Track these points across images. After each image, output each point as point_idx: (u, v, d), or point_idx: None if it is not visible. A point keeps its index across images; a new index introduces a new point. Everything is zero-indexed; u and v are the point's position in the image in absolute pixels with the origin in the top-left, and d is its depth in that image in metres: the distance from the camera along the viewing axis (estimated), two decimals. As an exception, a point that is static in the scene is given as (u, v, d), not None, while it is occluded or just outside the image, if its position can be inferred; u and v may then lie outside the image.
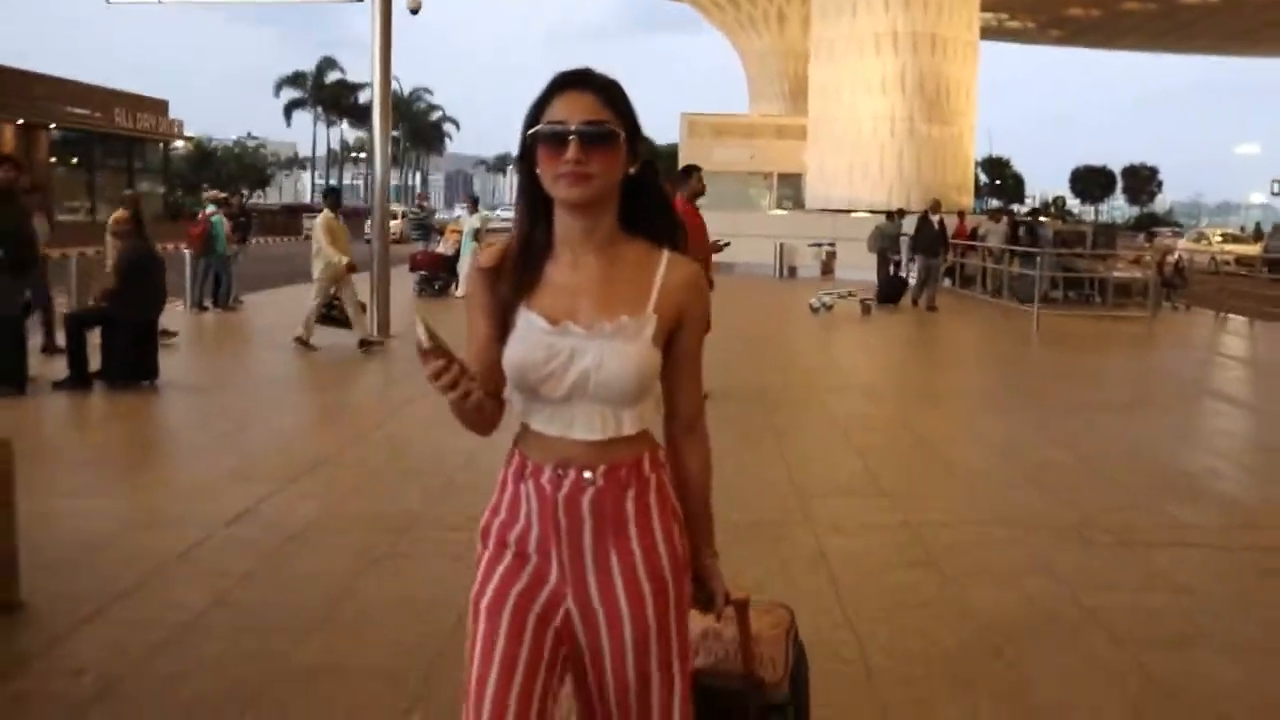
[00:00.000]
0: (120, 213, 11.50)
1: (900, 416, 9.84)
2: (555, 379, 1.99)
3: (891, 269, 21.59)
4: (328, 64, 78.99)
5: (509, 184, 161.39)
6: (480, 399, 1.87)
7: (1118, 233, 33.80)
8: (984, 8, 40.15)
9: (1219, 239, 46.98)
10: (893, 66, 30.98)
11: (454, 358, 1.80)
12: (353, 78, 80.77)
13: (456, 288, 20.72)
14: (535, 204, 2.05)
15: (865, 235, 23.84)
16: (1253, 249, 40.91)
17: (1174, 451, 8.45)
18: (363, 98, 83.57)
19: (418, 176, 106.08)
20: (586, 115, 1.98)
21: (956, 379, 13.14)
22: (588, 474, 2.02)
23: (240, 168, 61.96)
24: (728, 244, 10.80)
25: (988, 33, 65.84)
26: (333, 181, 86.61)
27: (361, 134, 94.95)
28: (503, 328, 2.02)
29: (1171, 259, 24.46)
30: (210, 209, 17.13)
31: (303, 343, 12.57)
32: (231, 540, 5.58)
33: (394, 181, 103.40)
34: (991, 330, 17.78)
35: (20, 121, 40.90)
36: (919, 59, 30.99)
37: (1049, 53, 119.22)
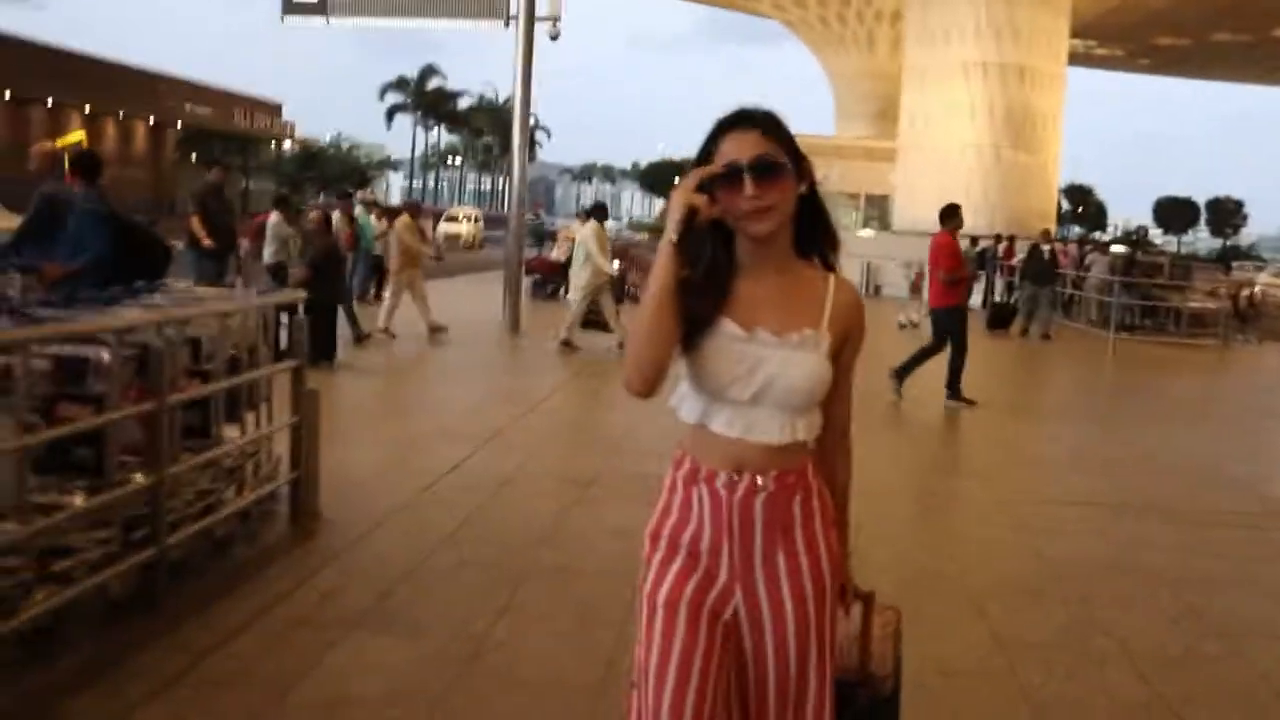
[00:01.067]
0: (314, 215, 13.17)
1: (986, 419, 11.14)
2: (743, 382, 2.15)
3: (993, 295, 22.67)
4: (429, 71, 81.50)
5: (593, 192, 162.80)
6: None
7: (1196, 265, 34.39)
8: (1073, 34, 40.97)
9: (1299, 273, 47.18)
10: (981, 95, 32.10)
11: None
12: (449, 84, 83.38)
13: (567, 291, 22.26)
14: (715, 234, 2.20)
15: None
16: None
17: (1224, 457, 9.67)
18: (461, 104, 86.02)
19: (506, 183, 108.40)
20: (755, 151, 2.14)
21: (1036, 391, 14.38)
22: (760, 479, 2.17)
23: (343, 169, 64.21)
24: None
25: (1075, 59, 66.01)
26: (422, 183, 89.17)
27: (453, 138, 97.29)
28: (685, 326, 2.17)
29: (1246, 292, 25.34)
30: (359, 209, 18.68)
31: (567, 345, 13.80)
32: (457, 483, 7.08)
33: (484, 187, 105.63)
34: (1071, 352, 18.86)
35: (151, 120, 43.43)
36: (1007, 89, 32.08)
37: (1137, 79, 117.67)
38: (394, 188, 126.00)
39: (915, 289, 26.16)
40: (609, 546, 5.83)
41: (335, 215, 14.80)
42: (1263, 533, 7.09)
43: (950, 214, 11.21)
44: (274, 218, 14.94)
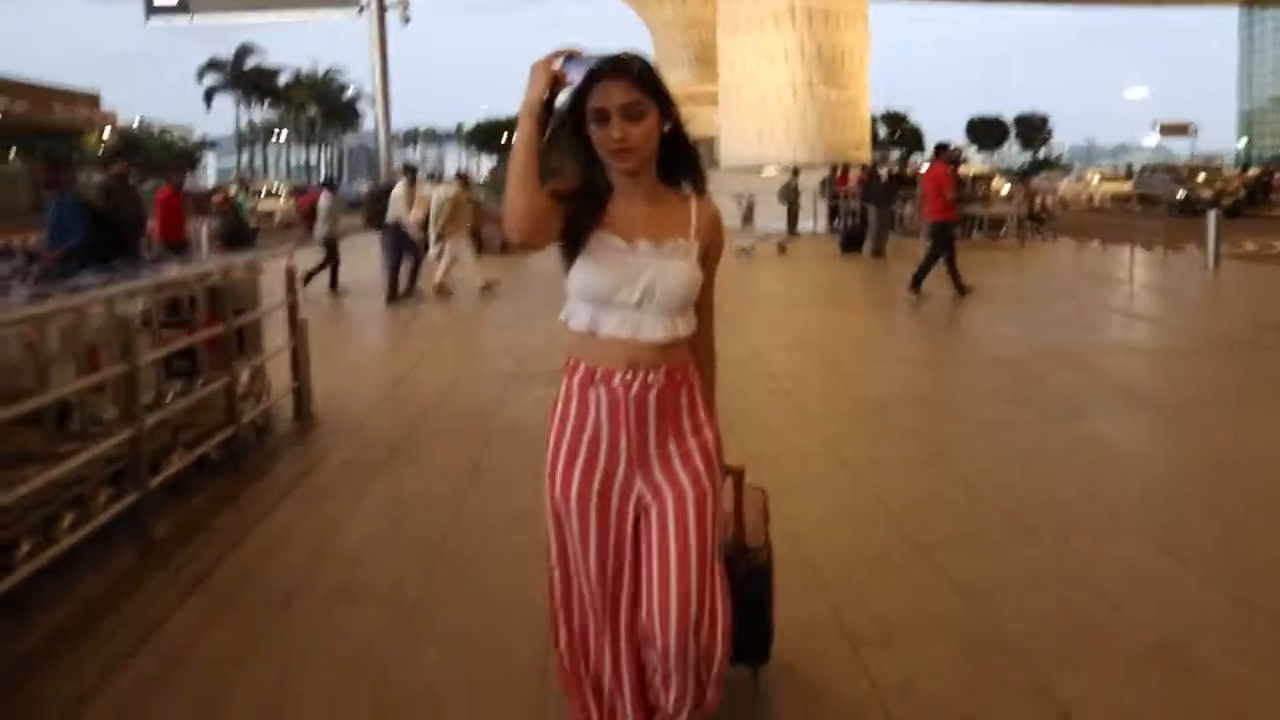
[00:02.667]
0: (219, 196, 14.75)
1: (810, 313, 13.50)
2: (629, 287, 2.45)
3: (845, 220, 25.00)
4: (246, 50, 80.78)
5: (419, 156, 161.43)
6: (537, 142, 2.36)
7: (995, 177, 37.53)
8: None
9: (1097, 180, 51.55)
10: (792, 38, 34.54)
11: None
12: (266, 59, 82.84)
13: (428, 249, 23.92)
14: (591, 158, 2.49)
15: (775, 190, 27.49)
16: (1125, 187, 45.59)
17: (1000, 323, 12.19)
18: (280, 79, 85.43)
19: (332, 153, 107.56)
20: (623, 99, 2.40)
21: (851, 292, 16.83)
22: (652, 376, 2.48)
23: (167, 154, 63.71)
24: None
25: (881, -8, 68.93)
26: (250, 159, 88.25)
27: (271, 115, 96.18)
28: (563, 222, 2.47)
29: (1039, 199, 28.55)
30: (234, 190, 20.15)
31: None
32: (410, 388, 8.99)
33: (310, 160, 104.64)
34: (897, 262, 21.43)
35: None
36: (815, 31, 34.58)
37: (943, 5, 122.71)
38: (210, 169, 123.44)
39: (747, 219, 28.63)
40: (543, 411, 7.81)
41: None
42: (1020, 367, 9.48)
43: (942, 149, 14.76)
44: (324, 199, 16.73)
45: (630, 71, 2.42)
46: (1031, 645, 3.89)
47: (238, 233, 13.41)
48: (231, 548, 5.13)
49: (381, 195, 16.80)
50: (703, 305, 2.63)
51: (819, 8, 34.29)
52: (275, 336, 7.78)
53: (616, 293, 2.46)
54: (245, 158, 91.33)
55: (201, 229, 19.93)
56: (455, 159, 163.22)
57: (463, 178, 18.02)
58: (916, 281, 13.91)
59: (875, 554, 4.91)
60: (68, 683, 3.82)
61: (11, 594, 4.15)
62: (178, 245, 13.70)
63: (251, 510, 5.73)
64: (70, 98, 50.61)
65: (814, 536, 5.01)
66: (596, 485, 2.52)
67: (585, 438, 2.53)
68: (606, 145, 2.44)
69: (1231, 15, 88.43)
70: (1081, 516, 5.37)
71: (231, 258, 7.26)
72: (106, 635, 4.19)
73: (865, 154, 36.78)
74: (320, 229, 16.24)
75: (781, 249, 22.27)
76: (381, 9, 17.23)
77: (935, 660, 3.82)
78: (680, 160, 2.57)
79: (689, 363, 2.58)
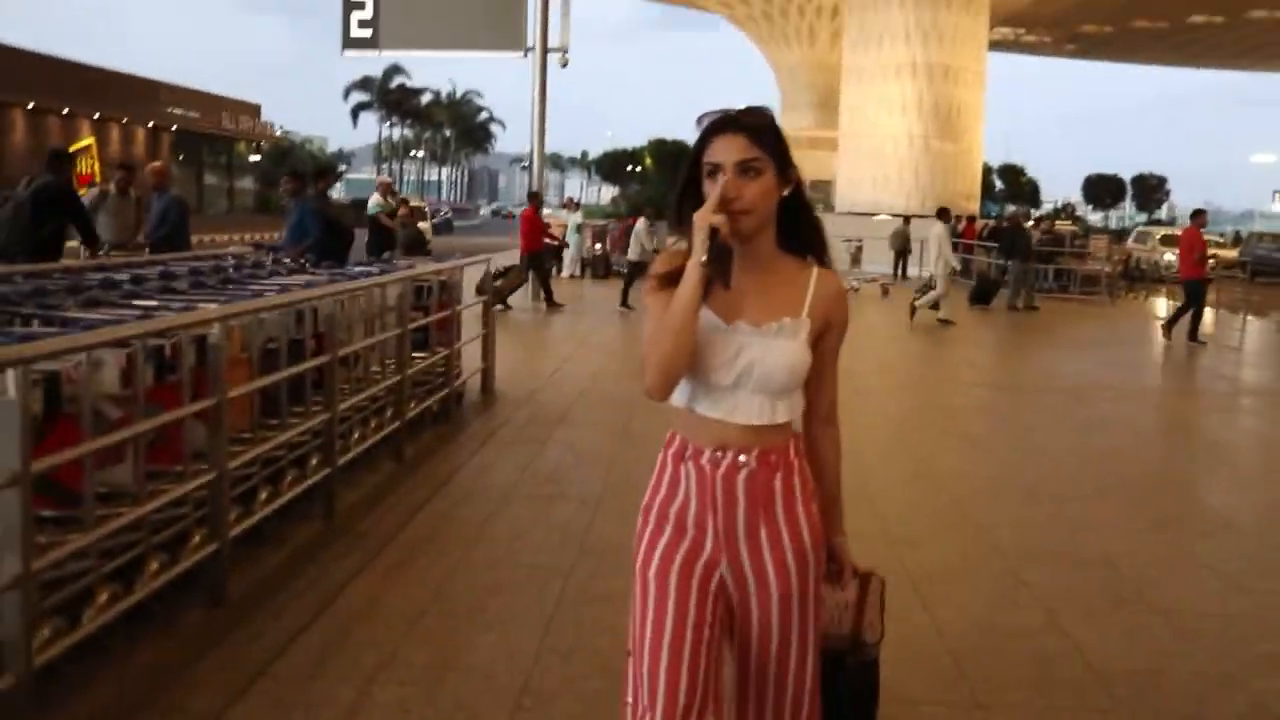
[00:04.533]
0: (403, 208, 17.19)
1: (909, 346, 15.41)
2: (726, 368, 2.32)
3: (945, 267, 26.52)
4: (393, 70, 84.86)
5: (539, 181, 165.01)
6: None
7: (1092, 235, 38.67)
8: (1003, 23, 45.23)
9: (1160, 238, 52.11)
10: (911, 92, 36.47)
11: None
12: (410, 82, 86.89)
13: (560, 270, 26.21)
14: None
15: (887, 235, 29.30)
16: (1231, 253, 46.27)
17: (1061, 363, 14.01)
18: (423, 100, 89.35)
19: (463, 174, 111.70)
20: (739, 155, 2.26)
21: (951, 329, 18.69)
22: (743, 457, 2.34)
23: (316, 166, 67.30)
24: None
25: (1006, 45, 69.94)
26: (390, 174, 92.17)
27: (408, 133, 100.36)
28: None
29: (1135, 258, 29.87)
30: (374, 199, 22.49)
31: (945, 321, 17.74)
32: (563, 377, 11.16)
33: (439, 177, 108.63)
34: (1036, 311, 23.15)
35: (150, 124, 46.77)
36: (934, 85, 36.47)
37: (1067, 63, 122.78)
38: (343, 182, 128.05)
39: (855, 261, 30.46)
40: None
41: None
42: (1069, 393, 11.34)
43: (1197, 214, 17.21)
44: (640, 224, 19.45)
45: (749, 127, 2.30)
46: (1012, 554, 5.84)
47: (418, 242, 15.80)
48: (460, 465, 7.31)
49: (628, 233, 19.31)
50: (820, 388, 2.48)
51: (939, 63, 36.16)
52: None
53: (713, 373, 2.34)
54: (383, 172, 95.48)
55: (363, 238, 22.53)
56: (578, 186, 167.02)
57: (655, 211, 20.07)
58: (1193, 334, 16.15)
59: (918, 500, 6.92)
60: (376, 530, 5.97)
61: (340, 469, 6.30)
62: (538, 255, 17.18)
63: (467, 446, 7.91)
64: (236, 107, 54.28)
65: (879, 492, 7.00)
66: (680, 557, 2.40)
67: (674, 509, 2.43)
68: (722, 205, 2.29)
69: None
70: (1075, 490, 7.28)
71: (458, 260, 9.46)
72: (385, 511, 6.33)
73: (975, 205, 38.37)
74: (634, 249, 18.88)
75: (885, 291, 24.10)
76: (544, 54, 19.38)
77: (947, 557, 5.80)
78: (797, 227, 2.43)
79: (789, 447, 2.42)
